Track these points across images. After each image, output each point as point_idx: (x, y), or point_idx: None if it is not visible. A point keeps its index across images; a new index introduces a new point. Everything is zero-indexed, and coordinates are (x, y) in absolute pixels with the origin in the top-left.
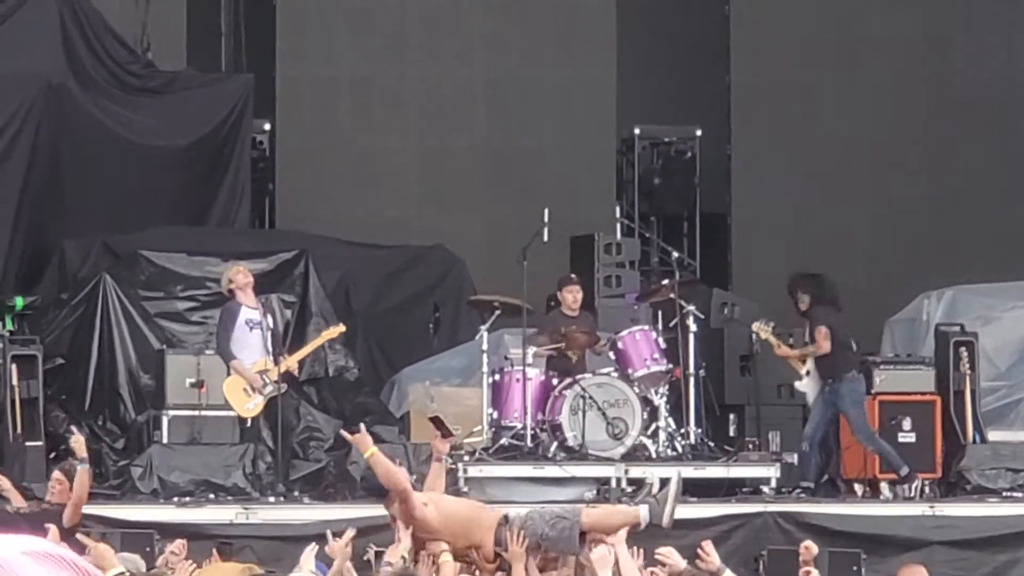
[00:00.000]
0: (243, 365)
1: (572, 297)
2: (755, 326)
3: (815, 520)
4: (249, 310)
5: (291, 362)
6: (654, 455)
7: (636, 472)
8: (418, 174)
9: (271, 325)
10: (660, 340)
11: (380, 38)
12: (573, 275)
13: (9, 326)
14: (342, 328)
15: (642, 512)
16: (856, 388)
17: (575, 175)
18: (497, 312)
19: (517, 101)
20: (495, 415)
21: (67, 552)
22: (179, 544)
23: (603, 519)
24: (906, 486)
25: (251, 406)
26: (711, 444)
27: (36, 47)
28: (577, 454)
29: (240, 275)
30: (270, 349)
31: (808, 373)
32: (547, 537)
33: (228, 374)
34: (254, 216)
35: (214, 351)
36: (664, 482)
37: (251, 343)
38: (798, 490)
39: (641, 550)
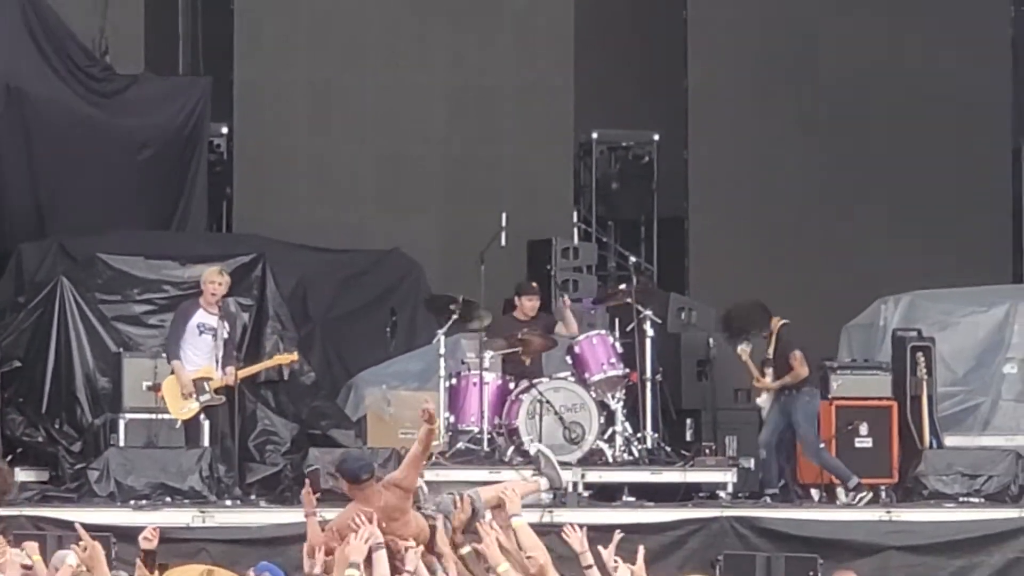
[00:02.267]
0: (182, 368)
1: (530, 305)
2: (740, 349)
3: (772, 525)
4: (206, 314)
5: (236, 377)
6: (611, 459)
7: (593, 477)
8: (376, 178)
9: (225, 334)
10: (617, 345)
11: (338, 42)
12: (534, 283)
13: None
14: (295, 357)
15: (542, 482)
16: (811, 403)
17: (533, 180)
18: (455, 316)
19: (475, 106)
20: (452, 419)
21: None
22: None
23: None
24: (854, 496)
25: (185, 410)
26: (668, 449)
27: None
28: (533, 458)
29: (212, 284)
30: (219, 358)
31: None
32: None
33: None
34: (211, 219)
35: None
36: (535, 456)
37: (199, 347)
38: (765, 497)
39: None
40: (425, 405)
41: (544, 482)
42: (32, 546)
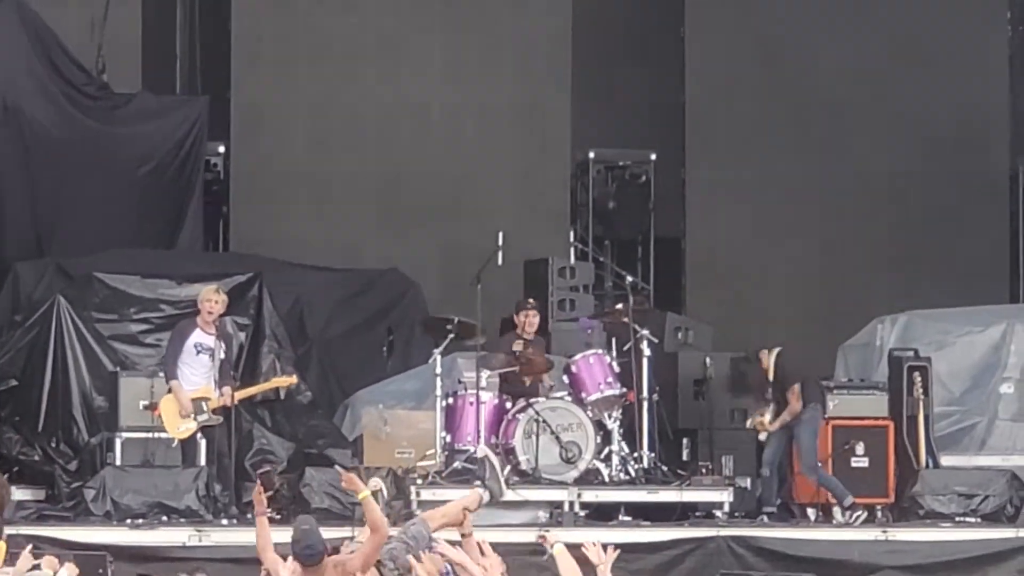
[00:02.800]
0: (181, 387)
1: (529, 321)
2: (754, 423)
3: (768, 544)
4: (203, 334)
5: (233, 398)
6: (607, 479)
7: (589, 496)
8: (373, 197)
9: (223, 355)
10: (614, 364)
11: (336, 61)
12: (531, 300)
13: None
14: (293, 380)
15: (483, 495)
16: (815, 418)
17: (530, 199)
18: (451, 335)
19: (472, 125)
20: (448, 438)
21: None
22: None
23: (448, 512)
24: (850, 515)
25: (182, 428)
26: (664, 468)
27: None
28: (530, 478)
29: (208, 303)
30: (216, 378)
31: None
32: (409, 547)
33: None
34: (208, 239)
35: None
36: (479, 461)
37: (196, 367)
38: (762, 516)
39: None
40: (344, 484)
41: (485, 495)
42: (51, 561)
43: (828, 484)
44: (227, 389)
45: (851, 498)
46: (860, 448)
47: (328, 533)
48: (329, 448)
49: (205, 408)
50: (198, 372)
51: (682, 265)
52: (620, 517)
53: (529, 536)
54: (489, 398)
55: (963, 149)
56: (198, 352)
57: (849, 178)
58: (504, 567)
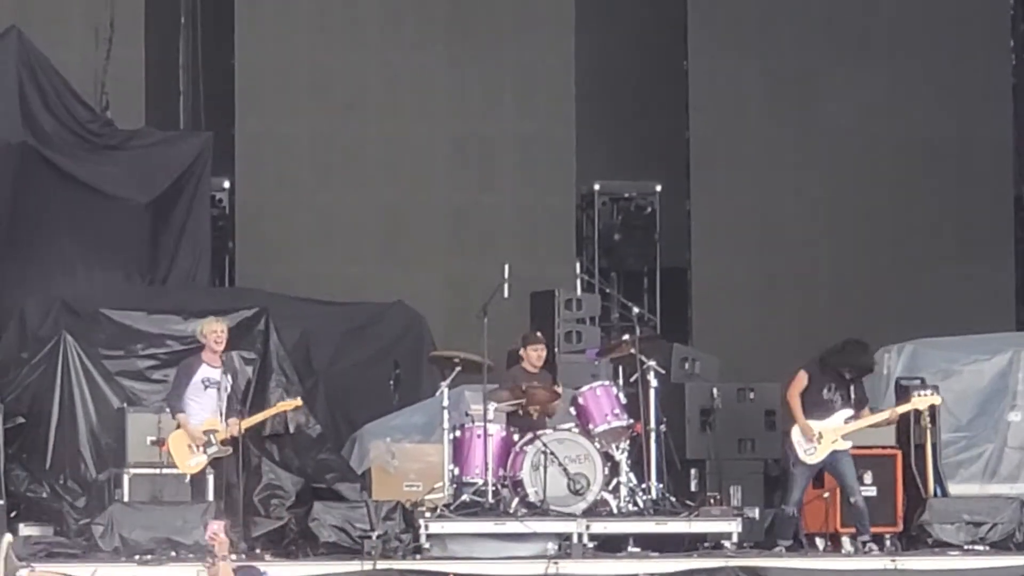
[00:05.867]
0: (189, 421)
1: (536, 355)
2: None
3: (778, 575)
4: (209, 368)
5: (240, 427)
6: (615, 510)
7: (598, 528)
8: (378, 231)
9: (229, 387)
10: (621, 395)
11: (339, 95)
12: (539, 333)
13: None
14: (299, 402)
15: None
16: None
17: (535, 231)
18: (458, 368)
19: (477, 157)
20: (456, 471)
21: None
22: None
23: None
24: (861, 544)
25: (193, 463)
26: (673, 499)
27: None
28: (538, 510)
29: (214, 334)
30: (223, 410)
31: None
32: None
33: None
34: (214, 274)
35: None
36: None
37: (203, 402)
38: (780, 547)
39: None
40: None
41: None
42: None
43: (866, 514)
44: (233, 420)
45: (868, 534)
46: (868, 477)
47: (338, 567)
48: (338, 483)
49: (214, 440)
50: (205, 407)
51: (688, 296)
52: (629, 548)
53: (538, 568)
54: (496, 430)
55: (968, 177)
56: (206, 387)
57: (854, 207)
58: None
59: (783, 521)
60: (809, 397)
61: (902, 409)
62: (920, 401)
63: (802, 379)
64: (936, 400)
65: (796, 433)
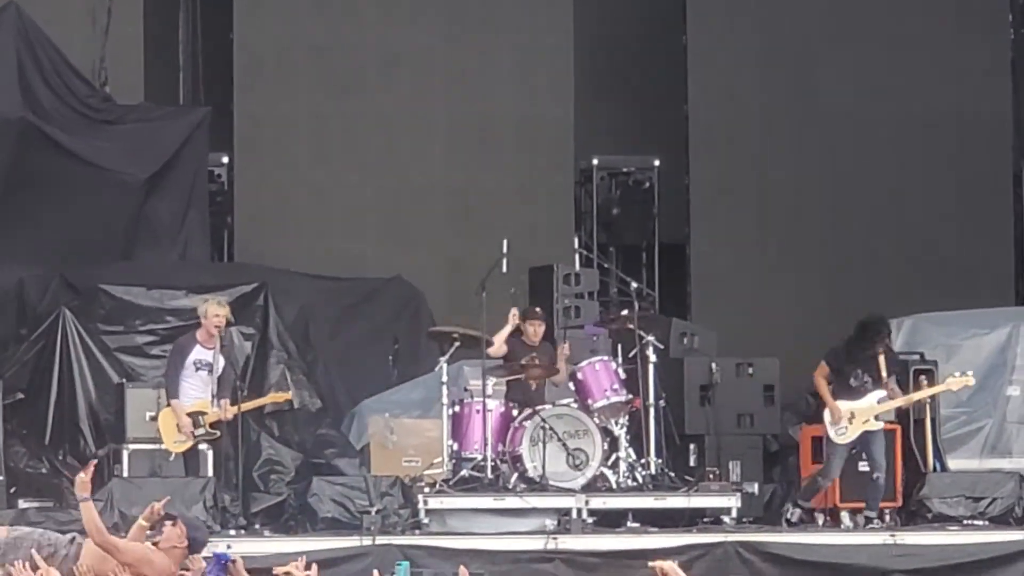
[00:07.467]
0: (180, 406)
1: (533, 330)
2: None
3: (776, 550)
4: (203, 350)
5: (229, 412)
6: (614, 485)
7: (597, 503)
8: (377, 207)
9: (222, 369)
10: (620, 371)
11: (338, 72)
12: (538, 308)
13: None
14: (288, 396)
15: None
16: None
17: (533, 206)
18: (456, 343)
19: (475, 133)
20: (455, 447)
21: None
22: None
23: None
24: (860, 519)
25: (177, 442)
26: (672, 474)
27: None
28: (537, 485)
29: (216, 318)
30: (214, 392)
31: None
32: None
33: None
34: (213, 249)
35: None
36: None
37: (195, 383)
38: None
39: None
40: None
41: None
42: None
43: (881, 493)
44: (225, 403)
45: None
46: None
47: (337, 543)
48: (337, 458)
49: (202, 422)
50: (197, 388)
51: (687, 271)
52: (628, 523)
53: (537, 543)
54: (495, 406)
55: (967, 152)
56: (197, 369)
57: (852, 182)
58: None
59: (812, 485)
60: (839, 384)
61: (935, 390)
62: (955, 382)
63: (824, 367)
64: (970, 381)
65: (827, 415)
